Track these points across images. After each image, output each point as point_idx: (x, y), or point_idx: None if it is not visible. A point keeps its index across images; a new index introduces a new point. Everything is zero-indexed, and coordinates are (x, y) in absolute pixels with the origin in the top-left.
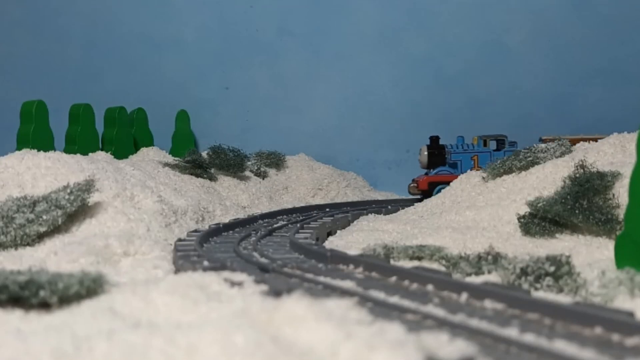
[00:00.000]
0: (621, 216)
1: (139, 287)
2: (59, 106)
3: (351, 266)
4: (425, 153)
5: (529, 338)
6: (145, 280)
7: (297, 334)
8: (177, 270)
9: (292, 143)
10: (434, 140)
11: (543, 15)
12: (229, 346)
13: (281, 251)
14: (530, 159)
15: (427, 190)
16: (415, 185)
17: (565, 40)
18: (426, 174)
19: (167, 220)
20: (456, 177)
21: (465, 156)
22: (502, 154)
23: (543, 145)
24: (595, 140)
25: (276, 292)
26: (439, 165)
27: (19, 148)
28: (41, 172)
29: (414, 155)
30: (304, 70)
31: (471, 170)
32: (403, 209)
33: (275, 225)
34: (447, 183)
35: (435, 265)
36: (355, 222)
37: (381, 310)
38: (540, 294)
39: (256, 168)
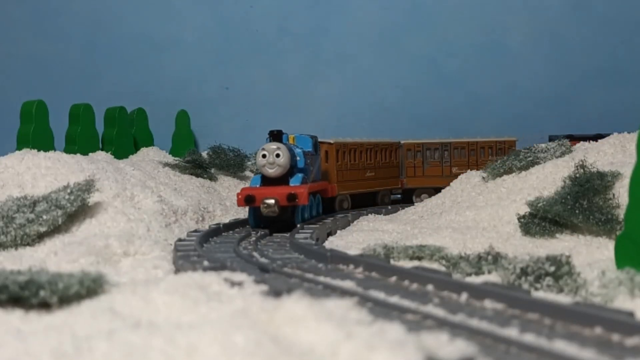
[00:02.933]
0: (621, 216)
1: (139, 287)
2: (59, 106)
3: (351, 266)
4: (288, 154)
5: (529, 338)
6: (145, 281)
7: (297, 334)
8: (177, 270)
9: None
10: (276, 135)
11: (543, 15)
12: (229, 346)
13: (281, 251)
14: (530, 159)
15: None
16: (293, 197)
17: (565, 40)
18: (281, 181)
19: (167, 220)
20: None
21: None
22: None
23: (543, 145)
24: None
25: (276, 292)
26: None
27: (19, 148)
28: (41, 172)
29: None
30: (304, 70)
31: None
32: (403, 209)
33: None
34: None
35: (435, 265)
36: (355, 222)
37: (381, 310)
38: (540, 294)
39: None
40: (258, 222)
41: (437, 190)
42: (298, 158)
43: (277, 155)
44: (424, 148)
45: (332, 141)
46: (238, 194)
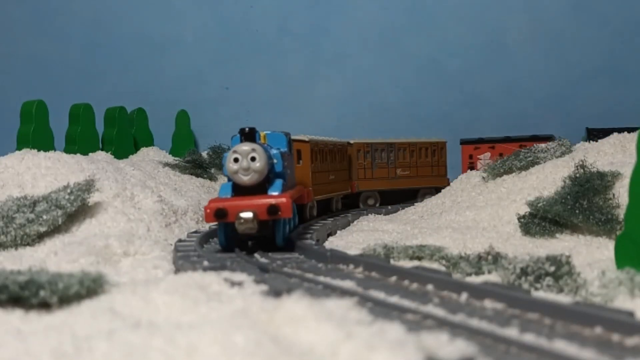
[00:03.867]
0: (621, 216)
1: (139, 287)
2: (59, 106)
3: (351, 266)
4: (265, 157)
5: (529, 338)
6: (145, 281)
7: (297, 334)
8: (177, 270)
9: None
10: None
11: (543, 14)
12: (229, 346)
13: (281, 251)
14: (530, 159)
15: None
16: (275, 209)
17: (565, 39)
18: (257, 190)
19: (167, 220)
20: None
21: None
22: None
23: (543, 145)
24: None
25: (276, 292)
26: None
27: (19, 148)
28: (41, 172)
29: None
30: (304, 70)
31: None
32: (403, 209)
33: None
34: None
35: (435, 265)
36: (355, 222)
37: (381, 310)
38: (540, 294)
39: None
40: (230, 242)
41: (382, 194)
42: (275, 160)
43: (253, 159)
44: (372, 149)
45: (306, 139)
46: (206, 208)
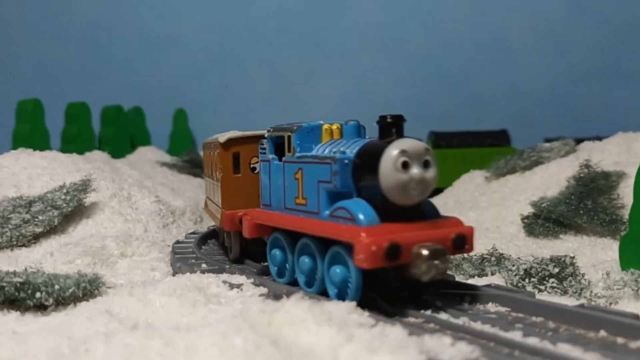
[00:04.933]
0: (626, 217)
1: (136, 289)
2: (55, 105)
3: None
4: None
5: (533, 341)
6: (142, 282)
7: (297, 337)
8: (175, 272)
9: None
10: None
11: (544, 14)
12: (227, 348)
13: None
14: (534, 158)
15: None
16: (462, 241)
17: (567, 39)
18: (415, 212)
19: (164, 220)
20: None
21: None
22: None
23: (547, 144)
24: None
25: (276, 295)
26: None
27: (14, 147)
28: (37, 172)
29: None
30: (304, 68)
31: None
32: None
33: None
34: None
35: None
36: None
37: (382, 312)
38: (544, 296)
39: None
40: (358, 293)
41: None
42: None
43: (426, 164)
44: None
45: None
46: (368, 244)
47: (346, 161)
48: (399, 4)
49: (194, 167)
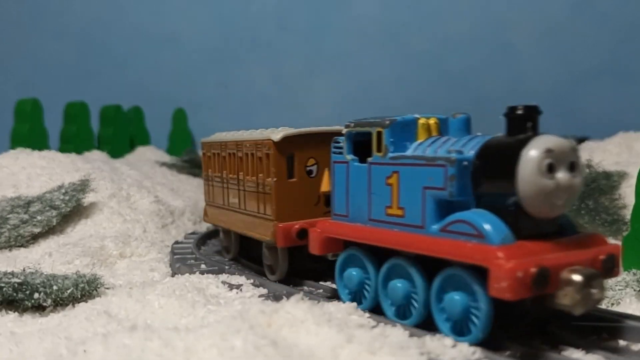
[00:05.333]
0: (628, 217)
1: (135, 290)
2: (54, 104)
3: None
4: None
5: (534, 343)
6: (141, 283)
7: (297, 338)
8: (174, 273)
9: None
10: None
11: (547, 13)
12: (227, 349)
13: None
14: None
15: None
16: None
17: (569, 38)
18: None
19: (163, 221)
20: None
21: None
22: None
23: None
24: None
25: (275, 295)
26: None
27: (13, 147)
28: (36, 172)
29: None
30: (304, 66)
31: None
32: None
33: None
34: None
35: None
36: None
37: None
38: None
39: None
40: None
41: None
42: None
43: (572, 167)
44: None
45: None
46: (509, 269)
47: (465, 163)
48: (399, 2)
49: (193, 167)
